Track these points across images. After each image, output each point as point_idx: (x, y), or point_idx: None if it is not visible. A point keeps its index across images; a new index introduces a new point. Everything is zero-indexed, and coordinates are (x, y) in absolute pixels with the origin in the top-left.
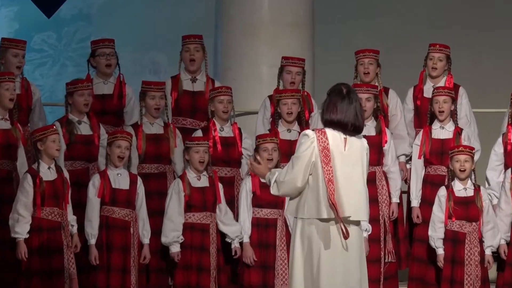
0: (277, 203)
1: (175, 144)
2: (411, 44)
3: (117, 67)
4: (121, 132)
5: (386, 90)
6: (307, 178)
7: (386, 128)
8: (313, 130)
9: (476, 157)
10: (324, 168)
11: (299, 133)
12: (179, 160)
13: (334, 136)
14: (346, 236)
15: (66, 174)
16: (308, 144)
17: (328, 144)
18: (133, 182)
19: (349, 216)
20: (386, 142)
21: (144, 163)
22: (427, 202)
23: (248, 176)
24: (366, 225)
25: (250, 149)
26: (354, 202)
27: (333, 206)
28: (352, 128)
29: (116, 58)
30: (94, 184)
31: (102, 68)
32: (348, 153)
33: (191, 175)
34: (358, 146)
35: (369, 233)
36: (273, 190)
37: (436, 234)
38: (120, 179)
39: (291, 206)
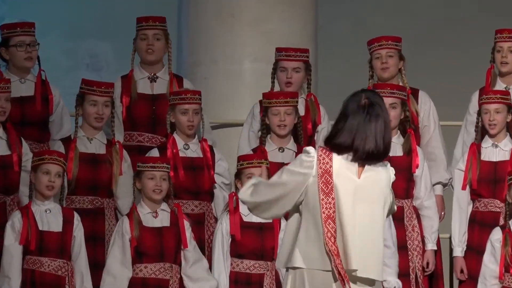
0: (264, 251)
1: (120, 170)
2: (449, 31)
3: (37, 61)
4: (50, 152)
5: (414, 92)
6: (294, 204)
7: (417, 147)
8: (315, 148)
9: None
10: (323, 200)
11: (296, 153)
12: (124, 194)
13: (341, 160)
14: None
15: None
16: (307, 163)
17: (331, 167)
18: (67, 222)
19: (356, 270)
20: (417, 166)
21: (73, 195)
22: (475, 250)
23: (226, 213)
24: (394, 283)
25: (226, 175)
26: (366, 252)
27: (330, 253)
28: (365, 156)
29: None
30: (13, 226)
31: (20, 62)
32: (365, 183)
33: (143, 211)
34: (381, 178)
35: None
36: (243, 194)
37: None
38: (49, 218)
39: (283, 255)
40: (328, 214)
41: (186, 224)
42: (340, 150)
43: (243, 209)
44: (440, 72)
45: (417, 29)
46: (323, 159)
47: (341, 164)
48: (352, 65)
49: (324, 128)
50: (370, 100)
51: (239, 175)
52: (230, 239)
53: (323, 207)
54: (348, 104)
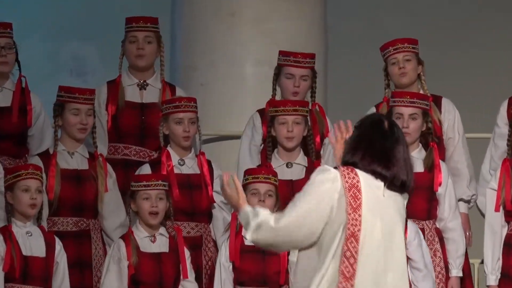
0: (267, 278)
1: (105, 187)
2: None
3: (17, 66)
4: (26, 166)
5: (436, 100)
6: (319, 232)
7: (441, 162)
8: (335, 167)
9: None
10: (350, 215)
11: (306, 168)
12: (110, 213)
13: (366, 176)
14: None
15: None
16: (328, 181)
17: (358, 182)
18: (50, 246)
19: None
20: (440, 184)
21: (56, 216)
22: (509, 278)
23: (226, 238)
24: None
25: None
26: (392, 279)
27: (347, 281)
28: (399, 186)
29: (16, 52)
30: None
31: None
32: (387, 202)
33: (140, 234)
34: (397, 198)
35: None
36: (250, 234)
37: None
38: (32, 242)
39: (303, 280)
40: (353, 231)
41: (187, 252)
42: (376, 177)
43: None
44: (465, 78)
45: (436, 30)
46: (347, 174)
47: (366, 180)
48: (366, 71)
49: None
50: (391, 122)
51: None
52: (231, 266)
53: (348, 223)
54: (365, 124)
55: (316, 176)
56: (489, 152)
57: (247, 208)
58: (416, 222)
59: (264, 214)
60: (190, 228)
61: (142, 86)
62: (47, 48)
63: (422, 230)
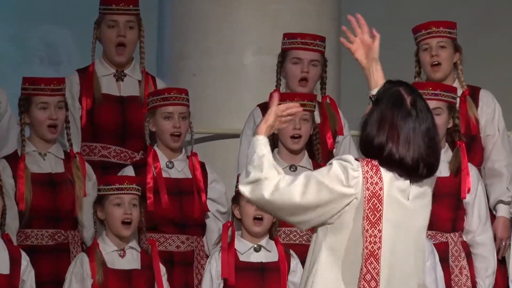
0: None
1: (83, 191)
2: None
3: None
4: None
5: (473, 92)
6: (316, 223)
7: (470, 165)
8: (356, 159)
9: None
10: (367, 231)
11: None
12: (91, 222)
13: (392, 178)
14: None
15: None
16: (353, 178)
17: (381, 189)
18: (15, 261)
19: None
20: (469, 190)
21: (28, 228)
22: None
23: (217, 250)
24: None
25: (223, 201)
26: None
27: None
28: (426, 171)
29: None
30: None
31: None
32: (413, 207)
33: (107, 248)
34: (428, 196)
35: None
36: (244, 186)
37: None
38: None
39: None
40: (372, 251)
41: (162, 269)
42: (392, 164)
43: (239, 245)
44: (508, 66)
45: (473, 12)
46: (370, 177)
47: (391, 183)
48: (385, 58)
49: (346, 138)
50: (415, 97)
51: (237, 199)
52: (222, 285)
53: (366, 241)
54: (386, 101)
55: (338, 166)
56: None
57: (261, 143)
58: (440, 234)
59: (269, 173)
60: (180, 242)
61: (119, 77)
62: (13, 33)
63: (446, 244)
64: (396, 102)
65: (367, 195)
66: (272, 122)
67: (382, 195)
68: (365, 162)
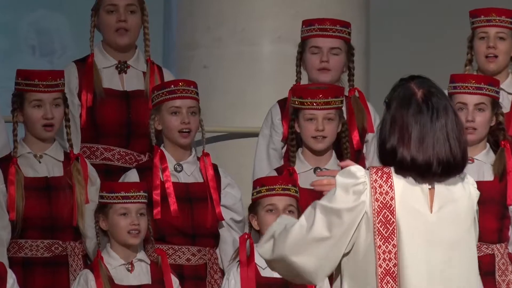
0: None
1: (85, 197)
2: None
3: None
4: None
5: None
6: (338, 262)
7: None
8: (367, 168)
9: None
10: (380, 247)
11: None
12: (94, 231)
13: (405, 186)
14: None
15: None
16: (354, 192)
17: (392, 199)
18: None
19: None
20: None
21: (22, 238)
22: None
23: (235, 264)
24: None
25: (238, 208)
26: None
27: None
28: (441, 169)
29: None
30: None
31: None
32: (439, 218)
33: (113, 262)
34: (463, 203)
35: None
36: (263, 249)
37: None
38: None
39: None
40: (387, 269)
41: (175, 282)
42: (403, 167)
43: (260, 259)
44: None
45: None
46: (379, 186)
47: (404, 191)
48: (420, 47)
49: (375, 137)
50: (427, 90)
51: (254, 208)
52: None
53: (379, 258)
54: (396, 98)
55: (340, 185)
56: None
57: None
58: (485, 246)
59: (275, 227)
60: (190, 254)
61: (122, 69)
62: (1, 20)
63: (492, 256)
64: (405, 99)
65: (376, 206)
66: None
67: (394, 206)
68: (375, 171)
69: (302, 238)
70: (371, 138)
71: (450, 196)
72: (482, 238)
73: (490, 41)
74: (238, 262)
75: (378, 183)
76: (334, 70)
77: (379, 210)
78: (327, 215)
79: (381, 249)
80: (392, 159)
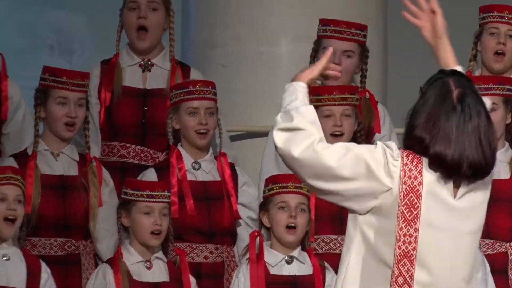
0: None
1: (99, 200)
2: None
3: None
4: (4, 169)
5: None
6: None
7: None
8: (399, 148)
9: None
10: (401, 230)
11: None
12: (105, 234)
13: (432, 175)
14: None
15: None
16: (392, 166)
17: (419, 184)
18: (33, 275)
19: None
20: None
21: (35, 236)
22: None
23: (245, 262)
24: None
25: (255, 206)
26: None
27: None
28: (470, 172)
29: None
30: None
31: None
32: (463, 206)
33: (132, 259)
34: (482, 199)
35: None
36: (278, 133)
37: None
38: (9, 268)
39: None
40: (406, 251)
41: (192, 281)
42: (433, 163)
43: (270, 257)
44: None
45: None
46: (409, 170)
47: (431, 178)
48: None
49: (384, 137)
50: (464, 90)
51: (266, 205)
52: None
53: (399, 240)
54: (432, 93)
55: (379, 149)
56: None
57: (304, 92)
58: (498, 244)
59: (309, 127)
60: (208, 252)
61: (146, 67)
62: (22, 19)
63: (505, 255)
64: (441, 95)
65: (403, 189)
66: (316, 75)
67: (420, 191)
68: (406, 154)
69: (326, 167)
70: (378, 139)
71: (473, 188)
72: (496, 236)
73: (501, 38)
74: (247, 260)
75: (408, 167)
76: (344, 73)
77: (405, 193)
78: (359, 161)
79: (402, 232)
80: (419, 148)
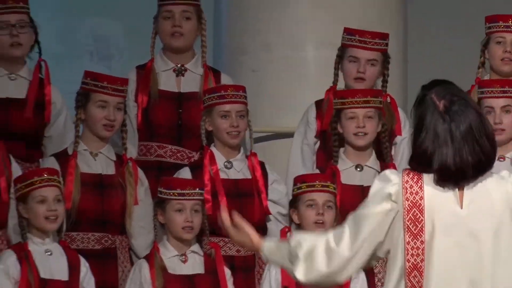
0: None
1: (134, 199)
2: None
3: (36, 49)
4: (39, 171)
5: None
6: (369, 258)
7: None
8: (397, 171)
9: None
10: (409, 244)
11: (379, 173)
12: (140, 231)
13: (435, 187)
14: None
15: None
16: (386, 195)
17: (421, 199)
18: (74, 268)
19: None
20: None
21: (74, 231)
22: None
23: None
24: None
25: (284, 202)
26: None
27: None
28: (473, 171)
29: (34, 31)
30: (6, 271)
31: (4, 48)
32: (470, 211)
33: (168, 253)
34: (496, 196)
35: None
36: (299, 273)
37: None
38: (52, 262)
39: None
40: (415, 263)
41: (227, 273)
42: (445, 177)
43: None
44: None
45: None
46: (410, 187)
47: (433, 190)
48: (457, 55)
49: (405, 139)
50: (448, 100)
51: (295, 203)
52: None
53: (407, 253)
54: (421, 107)
55: (374, 188)
56: None
57: (269, 245)
58: None
59: (308, 239)
60: (239, 246)
61: (179, 72)
62: (61, 27)
63: None
64: (429, 112)
65: (406, 205)
66: (251, 231)
67: (423, 205)
68: (406, 172)
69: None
70: (400, 141)
71: (480, 189)
72: None
73: (507, 46)
74: None
75: (409, 184)
76: (369, 80)
77: (409, 208)
78: (361, 219)
79: (410, 245)
80: (425, 161)
